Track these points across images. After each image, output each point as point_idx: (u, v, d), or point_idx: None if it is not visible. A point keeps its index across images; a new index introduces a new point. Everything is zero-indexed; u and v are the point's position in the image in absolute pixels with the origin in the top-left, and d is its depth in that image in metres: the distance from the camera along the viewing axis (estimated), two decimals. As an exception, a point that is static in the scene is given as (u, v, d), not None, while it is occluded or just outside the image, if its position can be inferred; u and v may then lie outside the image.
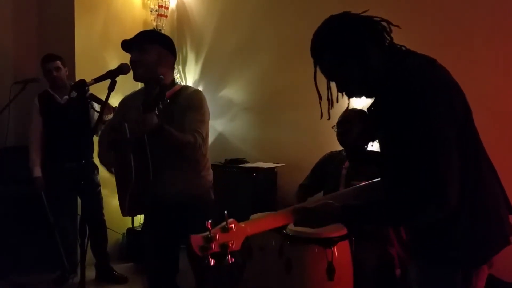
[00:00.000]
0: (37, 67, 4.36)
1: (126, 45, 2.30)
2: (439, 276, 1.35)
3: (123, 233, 4.42)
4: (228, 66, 4.36)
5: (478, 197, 1.33)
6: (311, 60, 4.15)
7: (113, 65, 4.50)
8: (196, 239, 1.32)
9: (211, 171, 2.46)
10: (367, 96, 1.49)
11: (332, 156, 3.06)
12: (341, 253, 2.26)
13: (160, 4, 4.70)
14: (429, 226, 1.34)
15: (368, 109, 1.50)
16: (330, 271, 2.16)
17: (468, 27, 3.08)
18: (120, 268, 4.02)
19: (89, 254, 3.65)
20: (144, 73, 2.24)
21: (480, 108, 2.88)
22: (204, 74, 4.57)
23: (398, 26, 1.43)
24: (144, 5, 4.79)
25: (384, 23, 1.41)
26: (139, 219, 4.54)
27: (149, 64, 2.22)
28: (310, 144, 3.78)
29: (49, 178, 3.64)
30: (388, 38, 1.42)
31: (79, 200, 3.83)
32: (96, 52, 4.37)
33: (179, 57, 4.78)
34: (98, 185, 3.77)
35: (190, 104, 2.23)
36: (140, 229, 4.34)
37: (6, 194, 3.84)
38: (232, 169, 3.69)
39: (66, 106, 3.61)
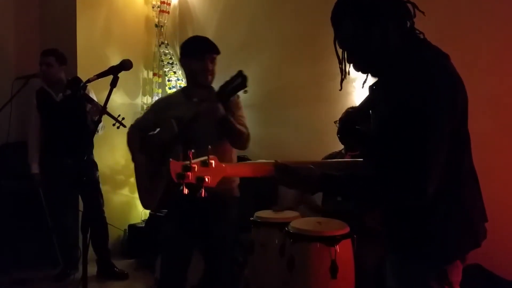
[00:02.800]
0: (38, 63, 4.37)
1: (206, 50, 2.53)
2: (414, 271, 1.37)
3: (125, 230, 4.42)
4: (230, 63, 4.32)
5: (456, 198, 1.35)
6: (313, 57, 4.15)
7: (115, 61, 4.48)
8: (175, 165, 1.37)
9: None
10: (373, 74, 1.47)
11: (332, 156, 3.06)
12: (343, 251, 2.26)
13: (162, 0, 4.68)
14: (404, 221, 1.37)
15: (370, 87, 1.49)
16: (333, 269, 2.16)
17: (469, 25, 3.07)
18: (121, 264, 4.03)
19: (90, 250, 3.65)
20: (212, 80, 2.51)
21: (483, 109, 2.91)
22: (206, 71, 4.55)
23: (423, 12, 1.41)
24: (146, 1, 4.78)
25: (410, 6, 1.40)
26: (140, 215, 4.55)
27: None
28: (312, 141, 3.77)
29: (47, 175, 3.64)
30: (410, 21, 1.41)
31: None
32: (98, 48, 4.37)
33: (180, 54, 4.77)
34: (98, 182, 3.78)
35: (233, 101, 2.40)
36: (141, 225, 4.34)
37: (8, 189, 3.84)
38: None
39: (62, 103, 3.62)
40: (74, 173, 3.40)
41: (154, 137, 2.52)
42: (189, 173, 1.36)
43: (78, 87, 3.30)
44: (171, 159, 1.41)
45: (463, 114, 1.37)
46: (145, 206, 2.65)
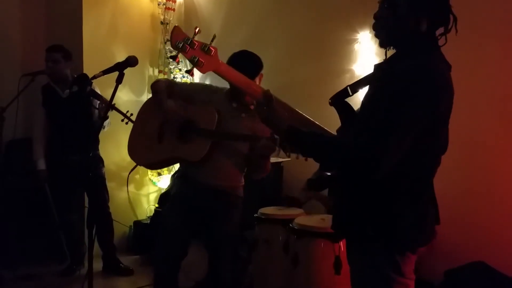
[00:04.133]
0: (44, 60, 4.40)
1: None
2: (369, 258, 1.43)
3: (130, 226, 4.45)
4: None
5: (416, 193, 1.42)
6: (320, 55, 4.15)
7: (120, 58, 4.45)
8: (179, 33, 1.46)
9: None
10: (382, 46, 1.55)
11: None
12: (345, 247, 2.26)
13: (167, -2, 4.70)
14: (362, 211, 1.43)
15: (375, 65, 1.59)
16: (337, 265, 2.17)
17: (477, 22, 3.06)
18: (126, 260, 4.05)
19: (96, 246, 3.69)
20: None
21: (489, 108, 2.90)
22: (211, 68, 4.56)
23: (456, 31, 1.48)
24: (152, -1, 4.80)
25: (451, 18, 1.48)
26: (146, 212, 4.58)
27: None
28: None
29: (53, 171, 3.67)
30: (442, 31, 1.49)
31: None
32: (104, 46, 4.39)
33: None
34: (103, 178, 3.80)
35: None
36: (146, 222, 4.37)
37: (15, 185, 3.87)
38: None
39: (68, 100, 3.63)
40: (80, 169, 3.42)
41: (185, 108, 2.46)
42: (188, 47, 1.41)
43: (85, 83, 3.32)
44: (175, 25, 1.49)
45: (442, 121, 1.43)
46: (135, 160, 2.60)
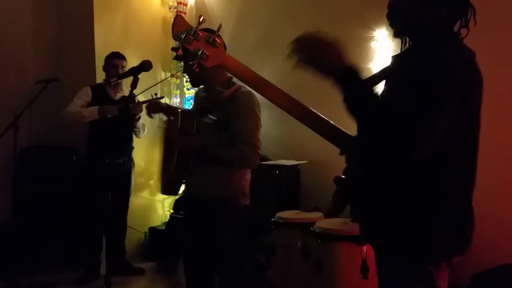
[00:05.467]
0: (57, 66, 4.40)
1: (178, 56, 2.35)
2: (399, 270, 1.31)
3: (145, 232, 4.40)
4: (248, 62, 4.18)
5: (452, 198, 1.30)
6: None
7: (132, 63, 4.51)
8: (182, 22, 1.32)
9: (248, 175, 2.33)
10: (396, 35, 1.46)
11: None
12: (372, 251, 2.18)
13: (178, 1, 4.67)
14: (393, 213, 1.30)
15: (392, 56, 1.49)
16: (364, 269, 2.09)
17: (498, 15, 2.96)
18: (142, 267, 4.01)
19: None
20: None
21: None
22: (223, 71, 4.51)
23: (475, 22, 1.39)
24: (163, 2, 4.77)
25: (471, 11, 1.38)
26: (161, 218, 4.53)
27: None
28: (332, 140, 3.69)
29: (92, 174, 3.69)
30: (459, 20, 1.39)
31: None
32: (115, 50, 4.35)
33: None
34: (131, 184, 3.88)
35: (235, 110, 2.18)
36: (162, 228, 4.32)
37: (28, 192, 3.85)
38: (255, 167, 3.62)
39: (118, 103, 3.69)
40: (117, 173, 3.58)
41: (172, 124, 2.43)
42: (192, 39, 1.29)
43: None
44: (178, 14, 1.40)
45: (473, 114, 1.32)
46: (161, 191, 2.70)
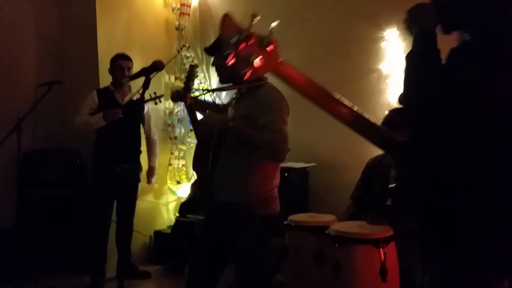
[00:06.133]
0: (60, 69, 4.34)
1: (210, 49, 2.21)
2: (461, 283, 1.21)
3: (150, 236, 4.35)
4: (254, 64, 4.25)
5: None
6: (342, 55, 4.01)
7: (136, 65, 4.46)
8: (231, 24, 1.14)
9: (274, 180, 2.19)
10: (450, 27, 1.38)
11: (377, 161, 2.93)
12: (390, 254, 2.14)
13: (182, 3, 4.62)
14: (456, 225, 1.21)
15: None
16: (383, 272, 2.05)
17: None
18: (148, 270, 3.96)
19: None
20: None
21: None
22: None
23: None
24: (166, 4, 4.72)
25: None
26: (166, 221, 4.48)
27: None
28: (342, 143, 3.63)
29: (99, 179, 3.65)
30: None
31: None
32: (118, 52, 4.30)
33: (202, 57, 4.69)
34: (138, 190, 3.83)
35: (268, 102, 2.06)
36: (167, 231, 4.27)
37: (32, 197, 3.80)
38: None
39: (125, 107, 3.63)
40: (124, 178, 3.52)
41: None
42: (241, 42, 1.12)
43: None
44: (226, 14, 1.26)
45: None
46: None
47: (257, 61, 1.16)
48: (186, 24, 4.65)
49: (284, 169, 3.52)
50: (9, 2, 4.08)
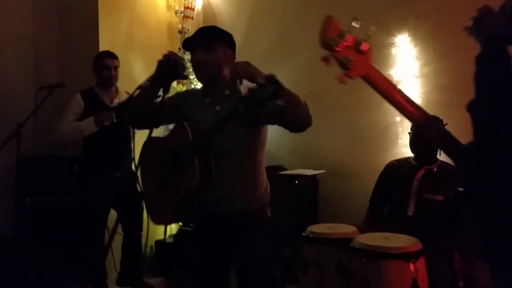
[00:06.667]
0: (59, 72, 4.20)
1: (188, 43, 2.09)
2: None
3: (151, 246, 4.20)
4: (261, 68, 4.14)
5: None
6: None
7: (138, 68, 4.36)
8: (334, 26, 1.19)
9: (267, 181, 2.14)
10: None
11: (395, 167, 2.86)
12: (420, 268, 2.06)
13: (185, 6, 4.51)
14: None
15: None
16: (415, 287, 1.95)
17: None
18: (149, 282, 3.82)
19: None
20: (210, 73, 2.01)
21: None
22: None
23: None
24: (169, 7, 4.61)
25: None
26: (168, 231, 4.34)
27: (216, 64, 2.00)
28: (351, 149, 3.57)
29: (90, 189, 3.38)
30: None
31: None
32: (121, 56, 4.17)
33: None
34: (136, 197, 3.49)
35: None
36: (169, 241, 4.13)
37: (30, 206, 3.63)
38: (273, 177, 3.47)
39: (117, 110, 3.32)
40: (118, 186, 3.25)
41: (165, 141, 2.18)
42: (342, 45, 1.14)
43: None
44: (330, 15, 1.22)
45: None
46: (156, 221, 2.17)
47: (352, 65, 1.18)
48: (189, 27, 4.54)
49: (294, 177, 3.46)
50: (8, 3, 3.93)
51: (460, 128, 2.56)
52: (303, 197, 3.44)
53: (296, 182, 3.38)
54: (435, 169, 2.69)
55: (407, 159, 2.88)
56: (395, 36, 3.34)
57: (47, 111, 3.57)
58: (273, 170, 3.60)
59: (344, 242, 2.34)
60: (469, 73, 2.98)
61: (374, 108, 3.44)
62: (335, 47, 1.16)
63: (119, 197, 3.34)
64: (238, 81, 2.05)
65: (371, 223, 2.80)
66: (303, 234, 2.57)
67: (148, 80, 2.00)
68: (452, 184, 2.43)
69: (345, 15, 3.55)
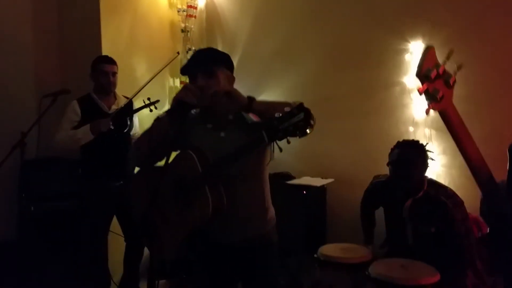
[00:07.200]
0: (61, 75, 4.11)
1: (188, 69, 1.99)
2: None
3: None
4: (265, 72, 4.06)
5: None
6: (362, 64, 3.84)
7: (140, 69, 4.26)
8: (433, 57, 1.21)
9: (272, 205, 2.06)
10: None
11: (378, 189, 2.79)
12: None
13: (188, 4, 4.39)
14: None
15: None
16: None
17: None
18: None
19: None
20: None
21: None
22: (237, 80, 4.24)
23: None
24: (171, 5, 4.49)
25: None
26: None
27: (217, 89, 1.91)
28: (361, 157, 3.50)
29: (90, 199, 3.31)
30: None
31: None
32: (123, 56, 4.08)
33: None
34: None
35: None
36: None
37: (34, 209, 3.56)
38: (280, 186, 3.42)
39: (113, 117, 3.22)
40: (120, 196, 3.17)
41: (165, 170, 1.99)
42: (436, 77, 1.14)
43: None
44: (430, 46, 1.23)
45: None
46: (158, 255, 2.05)
47: (440, 97, 1.18)
48: (192, 26, 4.44)
49: (302, 187, 3.40)
50: (7, 7, 3.81)
51: (476, 140, 2.53)
52: (310, 206, 3.39)
53: (305, 192, 3.33)
54: (421, 197, 2.51)
55: (389, 183, 2.68)
56: (409, 42, 3.24)
57: (51, 117, 3.49)
58: (279, 177, 3.55)
59: (359, 268, 2.30)
60: (486, 85, 2.93)
61: (386, 115, 3.37)
62: (431, 78, 1.18)
63: (120, 205, 3.26)
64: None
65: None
66: (315, 255, 2.52)
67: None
68: (440, 214, 2.38)
69: (358, 17, 3.48)
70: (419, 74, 1.20)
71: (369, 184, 2.92)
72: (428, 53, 1.18)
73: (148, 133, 1.98)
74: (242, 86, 4.16)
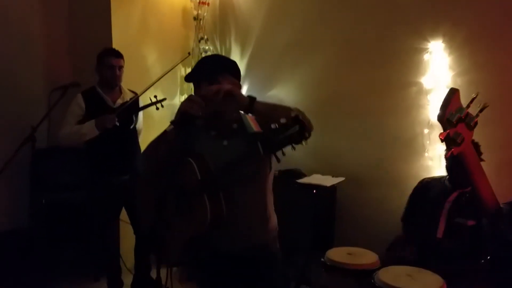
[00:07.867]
0: (71, 65, 4.09)
1: (192, 77, 1.96)
2: None
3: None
4: (278, 64, 3.98)
5: None
6: (378, 62, 3.77)
7: (151, 58, 4.21)
8: (458, 100, 1.17)
9: (274, 213, 2.01)
10: None
11: (428, 185, 2.76)
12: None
13: (201, -9, 4.30)
14: None
15: None
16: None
17: None
18: (161, 274, 3.83)
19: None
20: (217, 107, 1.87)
21: None
22: (249, 72, 4.18)
23: None
24: (183, -8, 4.41)
25: None
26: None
27: None
28: (373, 157, 3.43)
29: (97, 194, 3.30)
30: None
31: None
32: (134, 45, 4.05)
33: (221, 51, 4.41)
34: None
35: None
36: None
37: (45, 200, 3.61)
38: (290, 184, 3.39)
39: (118, 111, 3.18)
40: (126, 191, 3.15)
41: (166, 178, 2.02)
42: (460, 121, 1.14)
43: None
44: (455, 88, 1.20)
45: None
46: (164, 261, 2.13)
47: (461, 141, 1.15)
48: (205, 14, 4.35)
49: (312, 186, 3.36)
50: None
51: (491, 146, 2.46)
52: (320, 205, 3.36)
53: (315, 191, 3.29)
54: (468, 193, 2.59)
55: (440, 178, 2.75)
56: (428, 42, 3.12)
57: (60, 110, 3.47)
58: (289, 175, 3.51)
59: (365, 274, 2.28)
60: (507, 89, 2.82)
61: (401, 115, 3.28)
62: (453, 123, 1.15)
63: (128, 198, 3.25)
64: (243, 113, 1.92)
65: (404, 245, 2.73)
66: (322, 259, 2.51)
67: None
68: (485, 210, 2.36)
69: (375, 13, 3.36)
70: (442, 120, 1.14)
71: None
72: (453, 97, 1.12)
73: (156, 144, 1.95)
74: (254, 78, 4.15)
